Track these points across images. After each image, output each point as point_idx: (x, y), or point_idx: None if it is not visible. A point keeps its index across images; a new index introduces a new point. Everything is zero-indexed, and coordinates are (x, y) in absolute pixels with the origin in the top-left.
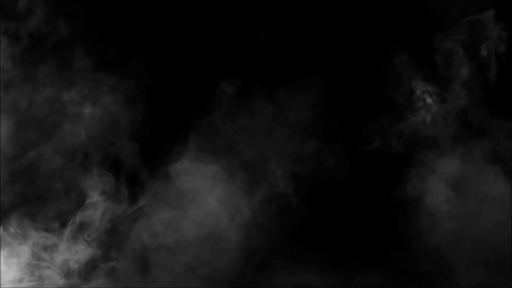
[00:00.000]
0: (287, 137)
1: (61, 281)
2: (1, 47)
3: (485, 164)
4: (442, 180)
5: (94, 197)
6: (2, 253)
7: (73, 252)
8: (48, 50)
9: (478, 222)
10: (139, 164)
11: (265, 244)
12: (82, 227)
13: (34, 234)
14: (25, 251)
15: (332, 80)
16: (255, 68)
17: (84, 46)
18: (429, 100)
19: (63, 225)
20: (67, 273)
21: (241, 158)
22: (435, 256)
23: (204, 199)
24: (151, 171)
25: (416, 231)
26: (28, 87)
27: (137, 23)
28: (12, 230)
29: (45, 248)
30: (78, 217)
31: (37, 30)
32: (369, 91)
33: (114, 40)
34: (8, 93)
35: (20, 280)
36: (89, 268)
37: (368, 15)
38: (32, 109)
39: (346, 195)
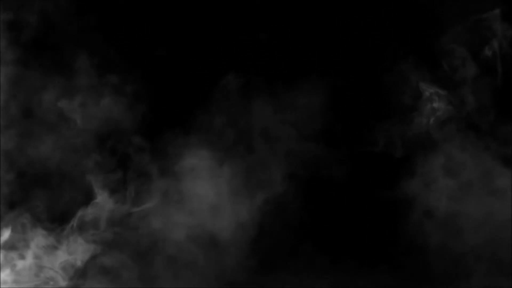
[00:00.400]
0: (290, 138)
1: (64, 281)
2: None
3: (492, 166)
4: (448, 182)
5: (98, 196)
6: (3, 252)
7: (76, 252)
8: (51, 48)
9: (483, 224)
10: (141, 164)
11: (265, 244)
12: (85, 226)
13: (37, 233)
14: (27, 250)
15: (336, 82)
16: (260, 69)
17: (88, 44)
18: (434, 102)
19: (67, 223)
20: (70, 273)
21: (243, 158)
22: (441, 258)
23: (205, 199)
24: (153, 171)
25: (419, 233)
26: (32, 85)
27: (141, 23)
28: (13, 228)
29: (48, 247)
30: (82, 216)
31: (39, 28)
32: (374, 93)
33: (119, 42)
34: (12, 91)
35: (22, 280)
36: (91, 268)
37: (374, 17)
38: (35, 107)
39: (349, 196)
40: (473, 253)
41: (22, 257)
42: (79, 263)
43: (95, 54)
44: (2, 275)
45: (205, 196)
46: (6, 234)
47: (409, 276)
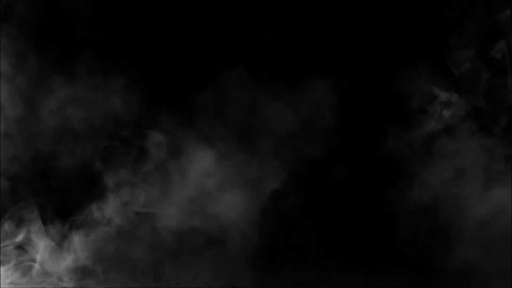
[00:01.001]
0: (293, 136)
1: (71, 282)
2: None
3: (501, 170)
4: (455, 185)
5: (105, 194)
6: (3, 251)
7: (83, 251)
8: (56, 43)
9: (488, 227)
10: (149, 161)
11: (266, 243)
12: (93, 225)
13: (43, 232)
14: (33, 249)
15: (342, 82)
16: (265, 67)
17: (91, 40)
18: (443, 105)
19: (74, 222)
20: (77, 273)
21: (247, 157)
22: (444, 260)
23: (207, 198)
24: (159, 169)
25: (421, 235)
26: (38, 80)
27: (148, 22)
28: (19, 226)
29: (54, 247)
30: (90, 215)
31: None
32: (381, 95)
33: (122, 42)
34: (17, 85)
35: (28, 282)
36: (98, 268)
37: (382, 18)
38: (41, 102)
39: (353, 197)
40: (476, 255)
41: (29, 257)
42: (86, 263)
43: (99, 50)
44: (2, 275)
45: (207, 194)
46: (20, 236)
47: (411, 277)
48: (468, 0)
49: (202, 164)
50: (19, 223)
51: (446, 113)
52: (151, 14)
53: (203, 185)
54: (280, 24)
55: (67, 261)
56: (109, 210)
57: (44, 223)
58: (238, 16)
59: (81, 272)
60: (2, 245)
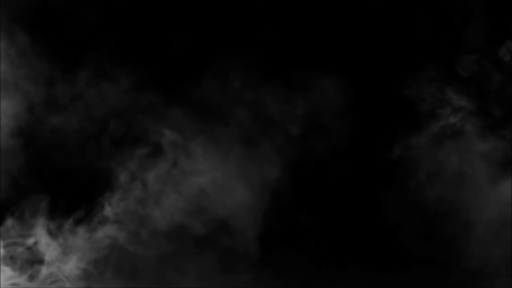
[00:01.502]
0: (300, 137)
1: (76, 282)
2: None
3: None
4: (464, 187)
5: (110, 193)
6: (3, 251)
7: (88, 251)
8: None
9: (499, 229)
10: (155, 160)
11: (267, 244)
12: (98, 224)
13: (47, 230)
14: (37, 248)
15: (350, 82)
16: (270, 67)
17: (93, 37)
18: (451, 109)
19: (80, 221)
20: (83, 273)
21: (245, 155)
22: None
23: (207, 198)
24: (164, 168)
25: (424, 237)
26: (47, 76)
27: (147, 16)
28: (18, 223)
29: (59, 246)
30: (96, 214)
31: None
32: (389, 98)
33: (125, 40)
34: (22, 85)
35: (26, 279)
36: (104, 267)
37: (392, 23)
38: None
39: (354, 198)
40: (482, 255)
41: (33, 256)
42: (89, 264)
43: (102, 48)
44: (3, 274)
45: (207, 194)
46: (30, 240)
47: (412, 279)
48: (475, 4)
49: (203, 163)
50: (23, 220)
51: (456, 116)
52: (154, 12)
53: (204, 185)
54: (289, 23)
55: (71, 261)
56: (112, 208)
57: (48, 220)
58: (244, 12)
59: (85, 273)
60: (5, 243)
